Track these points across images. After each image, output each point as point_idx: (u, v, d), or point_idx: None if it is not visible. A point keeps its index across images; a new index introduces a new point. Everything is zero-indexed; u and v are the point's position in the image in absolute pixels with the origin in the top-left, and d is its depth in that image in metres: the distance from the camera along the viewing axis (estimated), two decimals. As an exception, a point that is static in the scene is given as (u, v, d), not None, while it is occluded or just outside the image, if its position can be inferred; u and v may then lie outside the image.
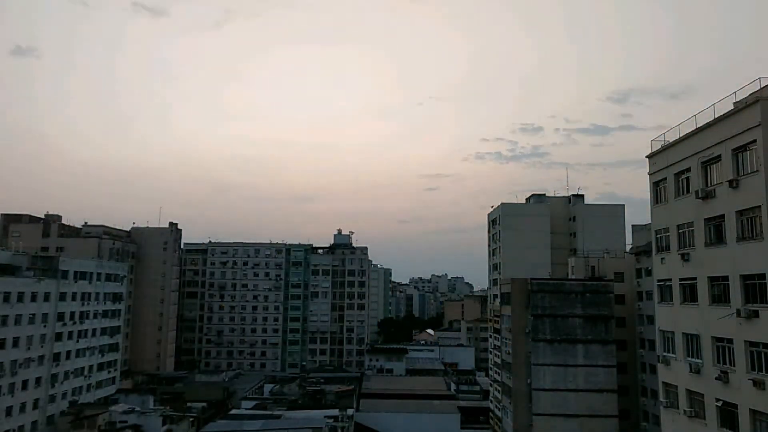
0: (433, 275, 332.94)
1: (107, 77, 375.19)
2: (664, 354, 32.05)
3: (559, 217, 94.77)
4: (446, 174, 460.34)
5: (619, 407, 62.18)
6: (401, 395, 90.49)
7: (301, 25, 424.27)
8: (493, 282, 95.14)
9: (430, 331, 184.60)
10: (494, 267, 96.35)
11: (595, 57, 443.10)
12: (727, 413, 25.93)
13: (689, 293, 29.60)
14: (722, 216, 26.65)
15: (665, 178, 32.10)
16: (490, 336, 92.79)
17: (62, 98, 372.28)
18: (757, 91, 25.66)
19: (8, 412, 68.86)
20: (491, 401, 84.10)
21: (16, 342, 70.23)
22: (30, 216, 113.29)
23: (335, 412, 70.91)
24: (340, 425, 67.19)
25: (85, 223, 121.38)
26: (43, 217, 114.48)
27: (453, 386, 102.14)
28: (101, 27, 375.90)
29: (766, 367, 23.90)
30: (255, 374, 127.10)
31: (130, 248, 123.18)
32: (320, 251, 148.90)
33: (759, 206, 24.13)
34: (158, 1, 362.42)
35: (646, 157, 34.13)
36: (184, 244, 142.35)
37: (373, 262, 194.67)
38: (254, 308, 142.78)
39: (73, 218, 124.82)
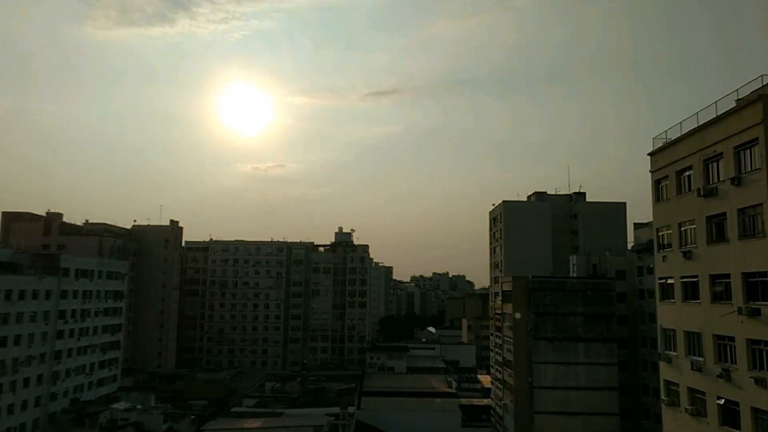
0: (434, 273, 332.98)
1: (105, 74, 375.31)
2: (666, 352, 32.00)
3: (560, 215, 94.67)
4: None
5: (620, 405, 62.25)
6: (402, 393, 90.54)
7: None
8: (495, 280, 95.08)
9: (431, 329, 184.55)
10: (495, 265, 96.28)
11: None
12: (729, 411, 25.87)
13: (691, 291, 29.52)
14: (724, 214, 26.55)
15: (667, 176, 32.01)
16: (492, 334, 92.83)
17: (64, 97, 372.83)
18: (759, 88, 25.52)
19: (10, 409, 68.95)
20: (492, 399, 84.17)
21: (17, 340, 70.31)
22: (31, 214, 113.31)
23: (336, 410, 70.94)
24: (341, 423, 67.20)
25: (86, 221, 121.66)
26: (44, 215, 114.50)
27: (454, 384, 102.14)
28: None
29: (768, 365, 23.86)
30: (256, 372, 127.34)
31: (131, 246, 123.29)
32: (321, 249, 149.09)
33: (761, 204, 24.04)
34: None
35: (648, 154, 34.01)
36: (185, 242, 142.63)
37: (375, 260, 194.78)
38: (255, 306, 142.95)
39: (74, 216, 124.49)
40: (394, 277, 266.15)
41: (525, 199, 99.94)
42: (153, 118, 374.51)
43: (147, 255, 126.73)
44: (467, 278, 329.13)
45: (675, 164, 31.05)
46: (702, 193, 27.84)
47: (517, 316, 65.12)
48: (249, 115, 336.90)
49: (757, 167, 24.30)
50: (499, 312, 76.74)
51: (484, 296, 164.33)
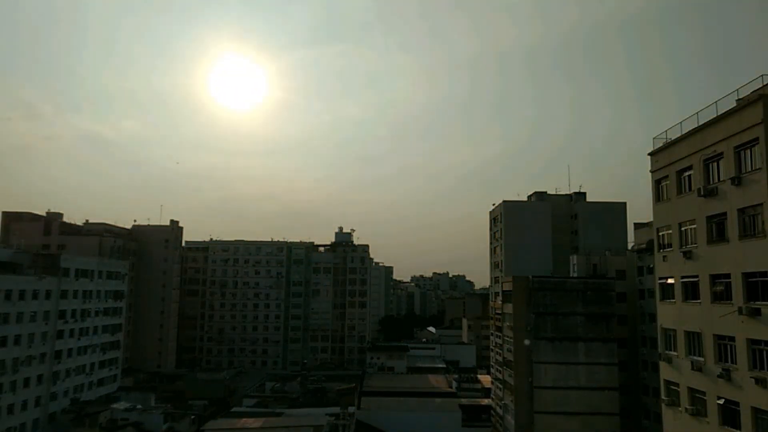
0: (434, 273, 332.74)
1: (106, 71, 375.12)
2: (666, 352, 32.00)
3: (560, 215, 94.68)
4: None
5: (620, 405, 62.22)
6: (403, 393, 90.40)
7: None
8: (495, 280, 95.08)
9: (431, 328, 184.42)
10: (496, 265, 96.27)
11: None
12: (729, 411, 25.89)
13: (691, 291, 29.53)
14: (724, 214, 26.55)
15: (667, 176, 31.99)
16: (492, 334, 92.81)
17: (63, 96, 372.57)
18: (759, 88, 25.51)
19: (10, 409, 69.00)
20: (492, 399, 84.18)
21: (17, 340, 70.35)
22: (31, 214, 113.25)
23: (336, 409, 70.88)
24: (341, 423, 67.09)
25: (87, 221, 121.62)
26: (44, 215, 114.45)
27: (454, 384, 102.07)
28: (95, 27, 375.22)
29: (768, 364, 23.85)
30: (256, 372, 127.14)
31: (131, 246, 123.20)
32: (321, 249, 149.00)
33: (761, 204, 24.04)
34: None
35: (648, 154, 33.99)
36: (186, 241, 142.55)
37: (375, 260, 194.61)
38: (255, 306, 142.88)
39: (74, 216, 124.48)
40: (394, 277, 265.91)
41: (525, 199, 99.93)
42: (154, 115, 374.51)
43: (147, 255, 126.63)
44: (467, 278, 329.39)
45: (675, 164, 31.04)
46: (702, 193, 27.84)
47: (518, 315, 65.07)
48: (250, 111, 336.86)
49: (758, 167, 24.31)
50: (499, 312, 76.72)
51: (484, 296, 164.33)
